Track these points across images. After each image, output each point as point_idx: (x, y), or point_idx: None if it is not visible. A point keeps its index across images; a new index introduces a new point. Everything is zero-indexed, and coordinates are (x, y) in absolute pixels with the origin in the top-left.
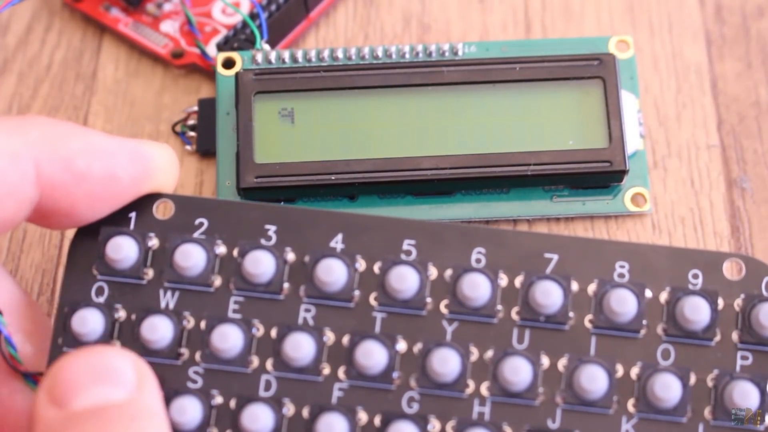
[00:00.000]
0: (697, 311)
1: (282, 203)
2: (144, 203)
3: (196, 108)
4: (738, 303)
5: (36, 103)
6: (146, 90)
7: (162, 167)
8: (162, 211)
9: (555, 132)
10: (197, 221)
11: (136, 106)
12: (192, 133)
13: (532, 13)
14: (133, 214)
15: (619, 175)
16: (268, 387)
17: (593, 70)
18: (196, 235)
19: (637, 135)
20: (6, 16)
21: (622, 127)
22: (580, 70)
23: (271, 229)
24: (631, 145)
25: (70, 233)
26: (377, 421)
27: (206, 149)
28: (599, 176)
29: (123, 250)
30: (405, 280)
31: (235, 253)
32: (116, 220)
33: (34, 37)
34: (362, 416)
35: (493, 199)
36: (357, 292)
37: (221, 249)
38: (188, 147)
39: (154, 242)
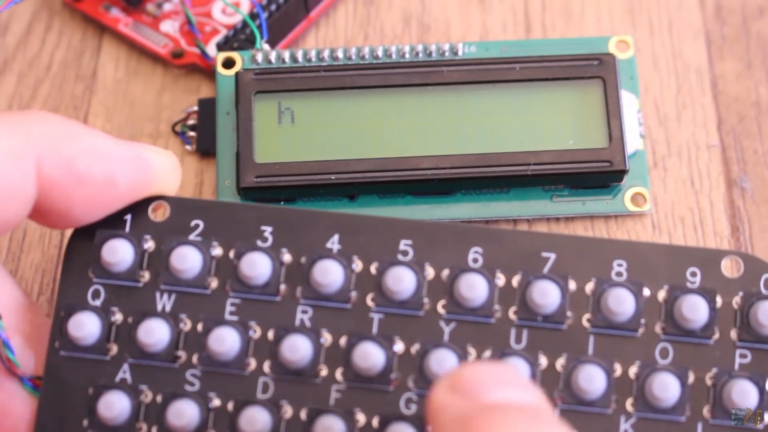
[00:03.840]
0: (695, 310)
1: (282, 203)
2: (139, 205)
3: (196, 108)
4: (736, 301)
5: (36, 103)
6: (146, 90)
7: (162, 175)
8: (157, 213)
9: (555, 132)
10: (193, 223)
11: (136, 106)
12: (192, 133)
13: (532, 13)
14: (128, 217)
15: (619, 174)
16: (265, 389)
17: (593, 70)
18: (191, 237)
19: (637, 135)
20: (6, 16)
21: (622, 127)
22: (580, 70)
23: (267, 230)
24: (631, 145)
25: (71, 233)
26: (375, 422)
27: (206, 149)
28: (599, 176)
29: (119, 252)
30: (402, 280)
31: (231, 254)
32: (112, 223)
33: (34, 36)
34: (360, 418)
35: (493, 198)
36: (354, 293)
37: (217, 251)
38: (188, 147)
39: (149, 245)
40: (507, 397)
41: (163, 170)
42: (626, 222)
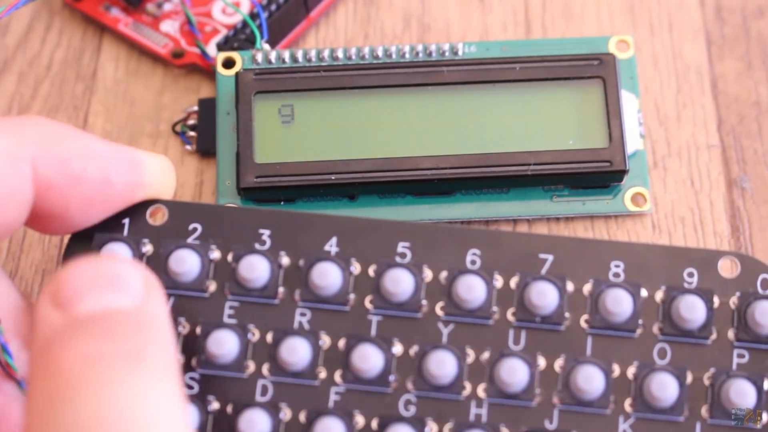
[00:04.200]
0: (692, 310)
1: (282, 203)
2: (137, 209)
3: (196, 108)
4: (733, 301)
5: (36, 103)
6: (146, 90)
7: (156, 176)
8: (155, 216)
9: (555, 132)
10: (191, 226)
11: (136, 106)
12: (192, 133)
13: (532, 13)
14: (126, 220)
15: (619, 174)
16: (264, 392)
17: (593, 70)
18: (190, 240)
19: (637, 135)
20: (6, 17)
21: (622, 126)
22: (580, 70)
23: (265, 233)
24: (631, 145)
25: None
26: (374, 424)
27: (206, 149)
28: (599, 176)
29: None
30: (400, 282)
31: (230, 258)
32: (110, 227)
33: (34, 36)
34: (359, 420)
35: (493, 199)
36: (352, 296)
37: (215, 254)
38: (188, 147)
39: (147, 248)
40: (104, 304)
41: (157, 172)
42: (626, 222)
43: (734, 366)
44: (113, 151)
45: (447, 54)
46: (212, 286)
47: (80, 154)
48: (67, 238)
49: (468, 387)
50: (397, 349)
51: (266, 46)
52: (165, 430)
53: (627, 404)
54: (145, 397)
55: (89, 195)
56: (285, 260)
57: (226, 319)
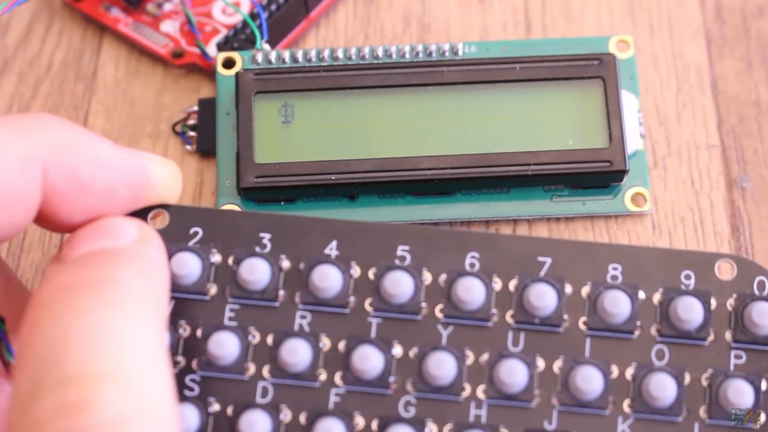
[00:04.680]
0: (690, 311)
1: (282, 203)
2: (139, 213)
3: (196, 108)
4: (730, 303)
5: (36, 103)
6: (146, 90)
7: (164, 186)
8: (156, 220)
9: (555, 132)
10: (192, 230)
11: (136, 106)
12: (192, 133)
13: (532, 13)
14: None
15: (619, 174)
16: (265, 394)
17: (593, 70)
18: (191, 244)
19: (637, 135)
20: (6, 16)
21: (622, 127)
22: (580, 70)
23: (266, 236)
24: (631, 145)
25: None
26: (374, 425)
27: (206, 149)
28: (599, 176)
29: None
30: (400, 285)
31: (230, 261)
32: None
33: (34, 36)
34: (359, 421)
35: (493, 199)
36: (352, 298)
37: (216, 257)
38: (188, 147)
39: None
40: (95, 247)
41: (165, 182)
42: (626, 222)
43: (732, 366)
44: (123, 160)
45: (447, 54)
46: (213, 289)
47: (90, 164)
48: (67, 237)
49: (467, 388)
50: (397, 350)
51: (266, 46)
52: (128, 354)
53: (626, 405)
54: (111, 322)
55: (94, 204)
56: (285, 263)
57: (226, 322)
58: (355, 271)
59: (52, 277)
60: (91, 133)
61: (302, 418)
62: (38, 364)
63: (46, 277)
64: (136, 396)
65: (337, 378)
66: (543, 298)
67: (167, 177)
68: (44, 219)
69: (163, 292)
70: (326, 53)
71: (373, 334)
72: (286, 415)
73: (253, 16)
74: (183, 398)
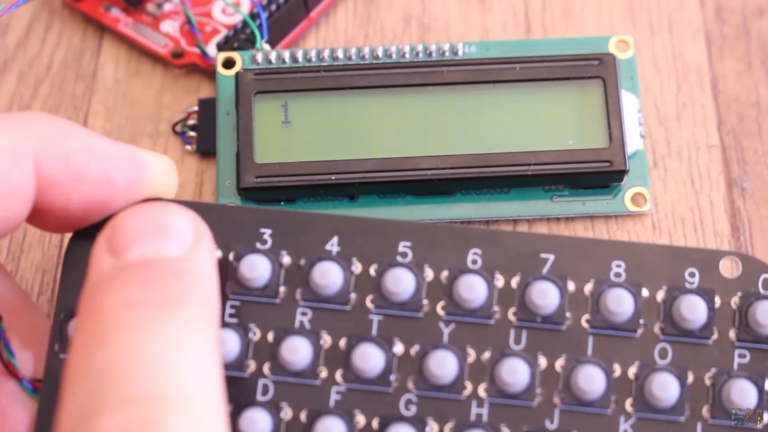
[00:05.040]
0: (693, 310)
1: (282, 203)
2: None
3: (196, 108)
4: (735, 301)
5: (36, 103)
6: (146, 90)
7: (158, 176)
8: None
9: (555, 132)
10: None
11: (136, 106)
12: (192, 133)
13: (532, 13)
14: None
15: (619, 175)
16: (265, 391)
17: (593, 70)
18: None
19: (637, 135)
20: (6, 16)
21: (622, 127)
22: (580, 70)
23: (267, 232)
24: (631, 145)
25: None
26: (375, 423)
27: (206, 149)
28: (599, 176)
29: None
30: (401, 282)
31: (231, 257)
32: None
33: (34, 36)
34: (360, 419)
35: (493, 199)
36: (353, 295)
37: (216, 253)
38: (188, 147)
39: None
40: (153, 252)
41: (159, 172)
42: (626, 222)
43: (735, 366)
44: (115, 150)
45: (447, 54)
46: None
47: (82, 152)
48: (67, 238)
49: (469, 387)
50: (398, 348)
51: (266, 46)
52: (192, 378)
53: (628, 404)
54: (174, 344)
55: (90, 193)
56: (286, 259)
57: (227, 319)
58: (357, 267)
59: (105, 274)
60: (81, 126)
61: (303, 417)
62: (101, 380)
63: (96, 265)
64: (199, 424)
65: (338, 376)
66: (545, 295)
67: (162, 169)
68: (41, 214)
69: (218, 308)
70: (326, 53)
71: (374, 331)
72: (286, 413)
73: (253, 16)
74: None
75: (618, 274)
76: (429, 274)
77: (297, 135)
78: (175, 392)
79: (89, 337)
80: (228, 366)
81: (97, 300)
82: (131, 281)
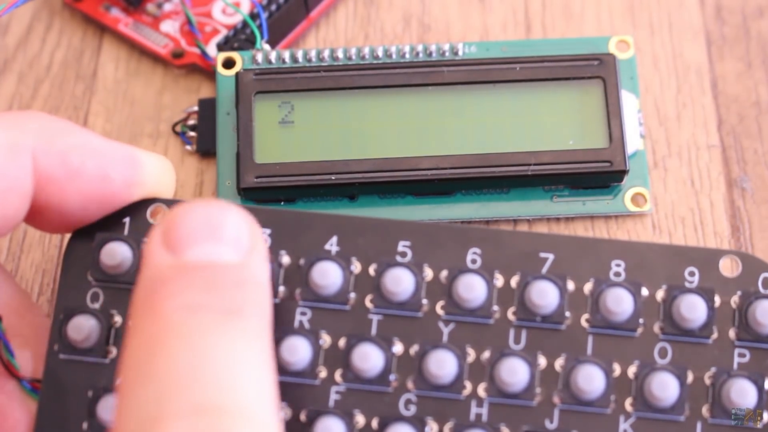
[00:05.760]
0: (693, 309)
1: (282, 203)
2: (138, 208)
3: (196, 108)
4: (735, 300)
5: (36, 103)
6: (146, 90)
7: (155, 175)
8: (156, 216)
9: (555, 132)
10: None
11: (136, 106)
12: (192, 133)
13: (533, 13)
14: (127, 220)
15: (619, 175)
16: None
17: (593, 70)
18: None
19: (637, 135)
20: (6, 16)
21: (622, 127)
22: (581, 70)
23: (266, 232)
24: (631, 145)
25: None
26: (375, 423)
27: (206, 149)
28: (599, 176)
29: (118, 255)
30: (401, 282)
31: None
32: (110, 226)
33: (34, 36)
34: (359, 419)
35: (493, 199)
36: (352, 295)
37: None
38: (188, 147)
39: None
40: (212, 256)
41: (155, 171)
42: (626, 222)
43: (735, 365)
44: (112, 148)
45: (447, 54)
46: None
47: (79, 149)
48: (67, 238)
49: (468, 386)
50: (398, 348)
51: (266, 47)
52: (253, 390)
53: (628, 404)
54: (237, 355)
55: (88, 190)
56: (285, 259)
57: None
58: (356, 267)
59: (164, 273)
60: (77, 125)
61: (302, 416)
62: (166, 384)
63: (153, 261)
64: None
65: (338, 376)
66: (545, 295)
67: (158, 167)
68: (39, 212)
69: (271, 318)
70: (326, 53)
71: (373, 331)
72: (286, 413)
73: (253, 16)
74: None
75: (617, 274)
76: (428, 273)
77: (297, 135)
78: (239, 403)
79: (150, 337)
80: None
81: (157, 300)
82: (192, 285)
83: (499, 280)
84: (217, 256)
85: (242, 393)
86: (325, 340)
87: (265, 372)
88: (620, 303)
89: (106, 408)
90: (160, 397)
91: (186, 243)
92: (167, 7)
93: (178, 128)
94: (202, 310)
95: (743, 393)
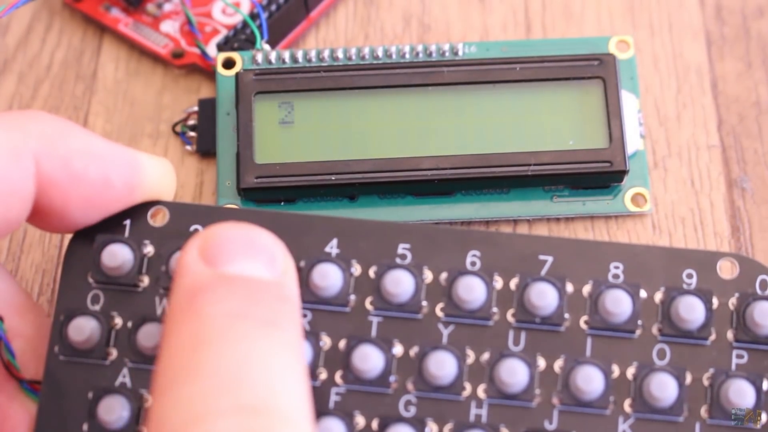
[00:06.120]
0: (691, 310)
1: (282, 204)
2: (139, 210)
3: (196, 108)
4: (732, 302)
5: (36, 103)
6: (146, 90)
7: (156, 178)
8: (157, 218)
9: (555, 132)
10: (192, 228)
11: (136, 106)
12: (192, 134)
13: (533, 13)
14: (127, 222)
15: (619, 175)
16: None
17: (593, 70)
18: None
19: (637, 135)
20: (6, 16)
21: (622, 127)
22: (581, 71)
23: None
24: (632, 145)
25: (70, 236)
26: (375, 425)
27: (206, 149)
28: (599, 176)
29: (118, 257)
30: (400, 283)
31: None
32: (111, 228)
33: (34, 37)
34: (360, 420)
35: (493, 199)
36: (353, 297)
37: None
38: (188, 147)
39: (149, 249)
40: (250, 271)
41: (156, 174)
42: (626, 222)
43: (733, 366)
44: (114, 152)
45: (447, 54)
46: None
47: (82, 154)
48: (67, 238)
49: (468, 387)
50: (398, 349)
51: (266, 47)
52: (294, 396)
53: (626, 405)
54: (278, 362)
55: (89, 194)
56: None
57: None
58: (356, 269)
59: (205, 281)
60: (81, 127)
61: None
62: (211, 383)
63: (191, 271)
64: None
65: (338, 377)
66: (544, 297)
67: (159, 170)
68: (40, 214)
69: (301, 330)
70: (326, 53)
71: (373, 333)
72: None
73: (253, 16)
74: None
75: (616, 276)
76: (428, 275)
77: (297, 135)
78: (281, 407)
79: (194, 338)
80: None
81: (200, 304)
82: (234, 294)
83: (498, 282)
84: (256, 272)
85: (284, 397)
86: (326, 341)
87: (303, 381)
88: (619, 304)
89: (106, 409)
90: (206, 395)
91: (225, 258)
92: (167, 7)
93: (178, 128)
94: (244, 318)
95: (742, 393)
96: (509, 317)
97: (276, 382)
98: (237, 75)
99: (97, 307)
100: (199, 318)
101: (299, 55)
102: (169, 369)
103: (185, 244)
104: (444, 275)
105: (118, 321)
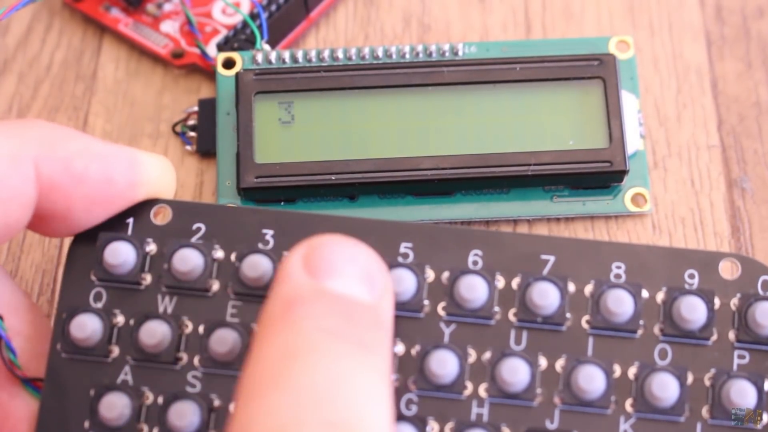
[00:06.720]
0: (693, 311)
1: (282, 203)
2: (141, 209)
3: (196, 108)
4: (734, 302)
5: (36, 103)
6: (146, 90)
7: (156, 176)
8: (159, 216)
9: (555, 132)
10: (194, 226)
11: (136, 106)
12: (192, 134)
13: (533, 13)
14: (130, 220)
15: (619, 175)
16: None
17: (593, 70)
18: (193, 240)
19: (637, 135)
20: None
21: (622, 127)
22: (581, 71)
23: (269, 233)
24: (632, 146)
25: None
26: None
27: (206, 149)
28: (599, 176)
29: (121, 255)
30: (402, 283)
31: (233, 257)
32: (114, 226)
33: (34, 37)
34: None
35: (493, 199)
36: None
37: (219, 254)
38: (188, 147)
39: (151, 247)
40: (351, 290)
41: (156, 171)
42: (626, 222)
43: (735, 367)
44: (113, 151)
45: (447, 54)
46: (215, 286)
47: (81, 154)
48: (67, 239)
49: (469, 387)
50: (399, 348)
51: (266, 47)
52: (379, 419)
53: (628, 404)
54: (369, 385)
55: (92, 194)
56: None
57: (228, 318)
58: None
59: (305, 293)
60: (78, 131)
61: None
62: (303, 396)
63: (292, 280)
64: None
65: None
66: (546, 296)
67: (159, 167)
68: (44, 219)
69: (392, 358)
70: (326, 53)
71: None
72: None
73: (253, 16)
74: (184, 395)
75: (618, 275)
76: (430, 274)
77: (297, 135)
78: (368, 429)
79: (288, 348)
80: (230, 365)
81: (297, 316)
82: (332, 312)
83: (500, 282)
84: (356, 292)
85: (372, 420)
86: None
87: (389, 408)
88: (621, 304)
89: (107, 406)
90: (295, 406)
91: (328, 272)
92: (167, 7)
93: (178, 128)
94: (340, 337)
95: (743, 394)
96: (511, 316)
97: (364, 404)
98: (237, 75)
99: (99, 305)
100: (294, 329)
101: (299, 55)
102: (259, 376)
103: (291, 250)
104: (446, 274)
105: (120, 319)
